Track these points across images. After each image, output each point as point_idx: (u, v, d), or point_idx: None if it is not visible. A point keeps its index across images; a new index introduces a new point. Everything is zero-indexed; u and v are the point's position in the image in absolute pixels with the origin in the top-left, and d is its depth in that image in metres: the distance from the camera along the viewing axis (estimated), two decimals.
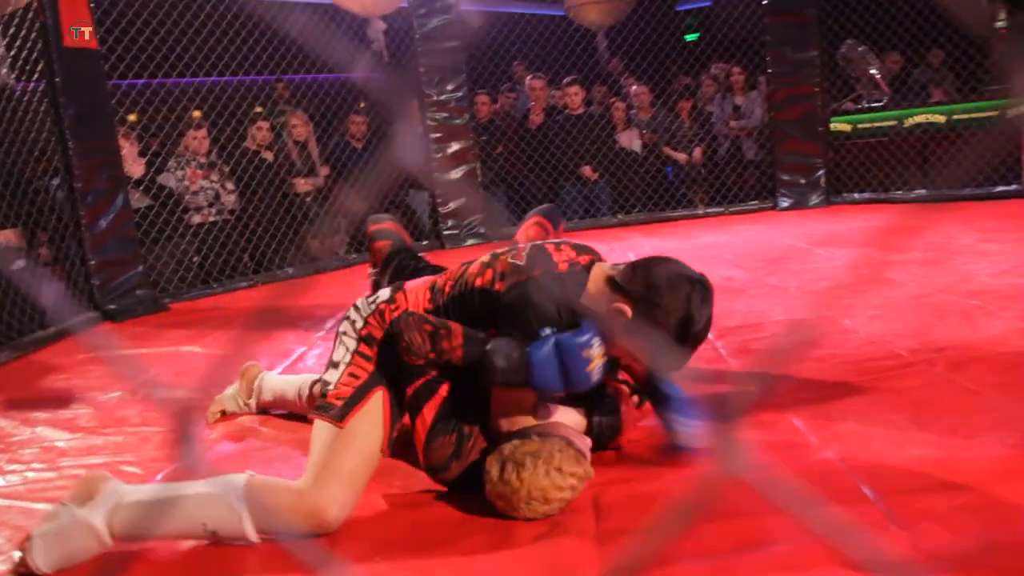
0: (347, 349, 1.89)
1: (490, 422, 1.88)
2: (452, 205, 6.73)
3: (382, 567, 1.61)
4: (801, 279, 3.92)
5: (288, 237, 6.03)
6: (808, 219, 6.14)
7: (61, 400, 3.16)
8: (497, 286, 1.82)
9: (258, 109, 6.42)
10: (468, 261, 2.00)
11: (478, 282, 1.86)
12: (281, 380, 2.64)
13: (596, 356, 1.68)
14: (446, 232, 6.73)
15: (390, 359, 1.85)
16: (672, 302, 1.68)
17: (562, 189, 7.07)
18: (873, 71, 6.64)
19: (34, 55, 4.64)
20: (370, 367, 1.84)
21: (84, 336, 4.45)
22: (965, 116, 6.12)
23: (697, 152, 7.22)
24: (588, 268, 1.84)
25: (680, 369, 1.81)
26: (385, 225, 2.49)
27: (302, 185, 6.28)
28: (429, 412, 1.84)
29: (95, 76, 4.95)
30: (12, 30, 4.56)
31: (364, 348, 1.86)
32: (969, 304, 3.07)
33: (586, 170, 6.97)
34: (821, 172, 6.64)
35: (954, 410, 2.07)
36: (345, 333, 1.92)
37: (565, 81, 7.01)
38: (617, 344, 1.74)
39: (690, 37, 9.82)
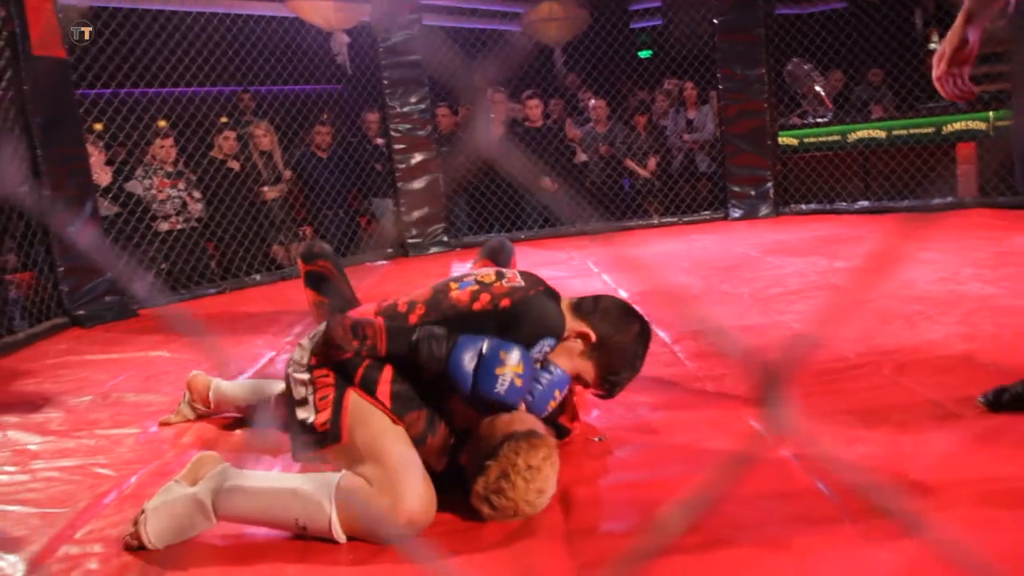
0: (303, 383, 1.90)
1: (451, 410, 1.92)
2: (416, 214, 6.86)
3: (354, 569, 1.63)
4: (753, 286, 4.08)
5: (255, 244, 6.11)
6: (758, 229, 6.31)
7: (32, 404, 3.13)
8: (503, 303, 1.94)
9: (223, 120, 6.48)
10: (438, 285, 2.06)
11: (476, 306, 1.95)
12: (241, 386, 2.64)
13: (509, 368, 1.77)
14: (410, 241, 6.86)
15: (341, 373, 1.89)
16: (627, 330, 2.01)
17: (522, 200, 7.25)
18: (818, 88, 6.92)
19: (2, 63, 4.65)
20: (330, 382, 1.88)
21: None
22: (904, 132, 6.42)
23: (651, 162, 7.44)
24: (555, 294, 2.08)
25: (621, 388, 2.08)
26: (319, 269, 2.35)
27: (269, 192, 6.35)
28: (383, 390, 1.86)
29: (63, 85, 4.99)
30: None
31: (317, 373, 1.90)
32: (911, 309, 3.21)
33: (545, 181, 7.15)
34: (770, 184, 6.88)
35: (900, 410, 2.17)
36: (295, 372, 1.93)
37: (525, 94, 7.18)
38: (575, 360, 2.00)
39: (643, 54, 10.06)
